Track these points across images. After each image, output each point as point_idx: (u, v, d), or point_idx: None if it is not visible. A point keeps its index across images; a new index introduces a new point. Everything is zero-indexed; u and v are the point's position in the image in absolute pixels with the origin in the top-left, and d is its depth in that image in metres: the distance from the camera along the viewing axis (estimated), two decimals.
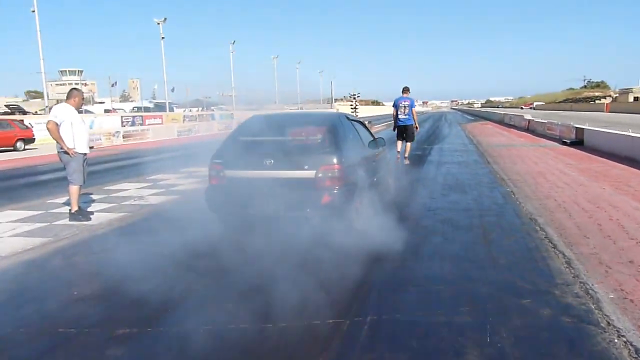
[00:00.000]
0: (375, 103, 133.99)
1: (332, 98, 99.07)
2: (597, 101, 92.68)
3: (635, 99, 77.67)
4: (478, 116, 62.35)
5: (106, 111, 46.30)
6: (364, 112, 61.54)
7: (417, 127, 13.47)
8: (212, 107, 60.99)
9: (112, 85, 61.38)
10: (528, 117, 29.94)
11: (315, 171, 5.45)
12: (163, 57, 42.02)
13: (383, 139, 7.46)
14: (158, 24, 41.14)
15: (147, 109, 49.27)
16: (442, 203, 7.73)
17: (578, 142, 17.35)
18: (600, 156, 13.66)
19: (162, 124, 36.98)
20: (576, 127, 18.16)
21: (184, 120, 39.74)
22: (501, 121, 40.87)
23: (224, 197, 5.84)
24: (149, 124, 35.05)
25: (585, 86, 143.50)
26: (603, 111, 66.72)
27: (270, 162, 5.56)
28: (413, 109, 13.20)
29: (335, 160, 5.53)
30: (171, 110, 48.41)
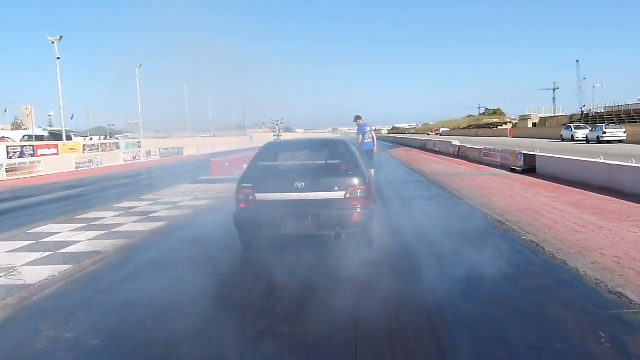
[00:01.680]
0: (289, 130, 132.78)
1: (245, 125, 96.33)
2: (499, 127, 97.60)
3: (534, 124, 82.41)
4: (394, 142, 62.47)
5: None
6: (287, 138, 59.14)
7: (376, 151, 13.53)
8: (117, 135, 56.12)
9: (4, 112, 54.72)
10: (457, 143, 29.29)
11: (344, 192, 5.90)
12: (59, 80, 37.22)
13: (372, 162, 7.75)
14: (52, 42, 36.37)
15: (40, 138, 43.54)
16: (461, 266, 5.52)
17: (529, 169, 16.23)
18: (570, 185, 12.35)
19: (57, 154, 32.35)
20: (525, 154, 17.10)
21: (84, 150, 35.18)
22: (423, 147, 40.46)
23: (254, 219, 6.01)
24: (41, 155, 30.39)
25: (483, 113, 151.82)
26: (507, 136, 69.60)
27: (302, 184, 5.90)
28: (373, 132, 13.44)
29: (361, 182, 6.04)
30: (69, 139, 43.21)
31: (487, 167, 19.44)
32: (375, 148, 13.25)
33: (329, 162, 6.54)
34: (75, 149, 34.80)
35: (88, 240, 7.70)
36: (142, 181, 18.90)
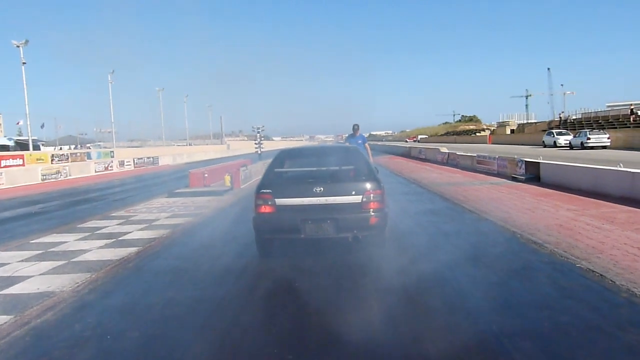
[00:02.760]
0: (267, 138, 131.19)
1: (222, 133, 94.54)
2: (477, 134, 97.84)
3: (512, 131, 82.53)
4: (374, 149, 61.38)
5: None
6: (268, 147, 57.44)
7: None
8: (89, 145, 53.92)
9: None
10: (445, 150, 28.33)
11: (361, 196, 6.13)
12: (25, 87, 35.16)
13: (377, 168, 7.19)
14: (18, 46, 34.39)
15: (5, 148, 41.28)
16: (526, 310, 4.27)
17: (532, 178, 15.21)
18: (584, 195, 11.32)
19: (23, 165, 30.32)
20: (526, 161, 16.08)
21: (52, 161, 33.18)
22: (407, 155, 39.57)
23: (274, 223, 6.20)
24: (5, 167, 28.34)
25: (459, 120, 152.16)
26: (486, 142, 69.34)
27: (320, 189, 6.08)
28: (366, 144, 12.45)
29: (376, 186, 6.25)
30: (37, 148, 41.10)
31: (483, 175, 18.37)
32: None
33: (343, 167, 6.64)
34: (42, 160, 32.84)
35: (40, 274, 6.23)
36: (114, 195, 17.32)
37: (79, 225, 10.01)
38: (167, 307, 4.74)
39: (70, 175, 28.35)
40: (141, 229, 9.34)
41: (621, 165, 11.50)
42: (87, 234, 9.02)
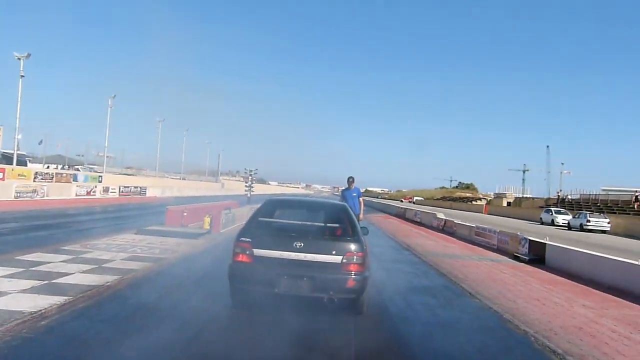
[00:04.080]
0: (262, 182, 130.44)
1: (218, 171, 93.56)
2: (473, 202, 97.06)
3: (509, 203, 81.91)
4: (369, 206, 60.28)
5: None
6: (259, 190, 56.00)
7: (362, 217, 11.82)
8: (78, 166, 52.57)
9: None
10: (441, 216, 27.10)
11: (341, 257, 5.85)
12: (19, 99, 34.23)
13: (366, 228, 6.94)
14: (19, 59, 33.68)
15: None
16: None
17: (537, 259, 13.89)
18: (597, 289, 10.01)
19: (3, 180, 28.88)
20: (530, 240, 14.81)
21: (35, 178, 31.74)
22: (402, 215, 38.33)
23: (250, 274, 5.90)
24: None
25: (456, 187, 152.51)
26: (482, 212, 68.27)
27: (300, 244, 5.82)
28: (360, 198, 12.09)
29: (359, 248, 5.99)
30: (23, 164, 39.64)
31: (481, 249, 17.07)
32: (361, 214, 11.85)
33: (329, 224, 6.50)
34: (25, 176, 31.37)
35: None
36: (81, 223, 15.87)
37: (17, 257, 8.58)
38: None
39: (47, 196, 26.87)
40: (86, 271, 7.92)
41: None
42: (19, 270, 7.59)
